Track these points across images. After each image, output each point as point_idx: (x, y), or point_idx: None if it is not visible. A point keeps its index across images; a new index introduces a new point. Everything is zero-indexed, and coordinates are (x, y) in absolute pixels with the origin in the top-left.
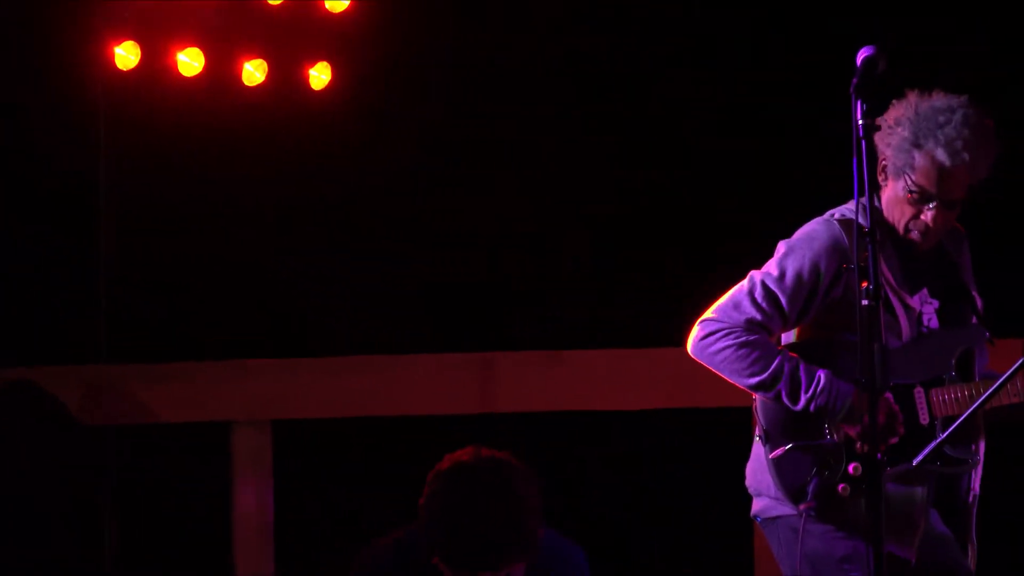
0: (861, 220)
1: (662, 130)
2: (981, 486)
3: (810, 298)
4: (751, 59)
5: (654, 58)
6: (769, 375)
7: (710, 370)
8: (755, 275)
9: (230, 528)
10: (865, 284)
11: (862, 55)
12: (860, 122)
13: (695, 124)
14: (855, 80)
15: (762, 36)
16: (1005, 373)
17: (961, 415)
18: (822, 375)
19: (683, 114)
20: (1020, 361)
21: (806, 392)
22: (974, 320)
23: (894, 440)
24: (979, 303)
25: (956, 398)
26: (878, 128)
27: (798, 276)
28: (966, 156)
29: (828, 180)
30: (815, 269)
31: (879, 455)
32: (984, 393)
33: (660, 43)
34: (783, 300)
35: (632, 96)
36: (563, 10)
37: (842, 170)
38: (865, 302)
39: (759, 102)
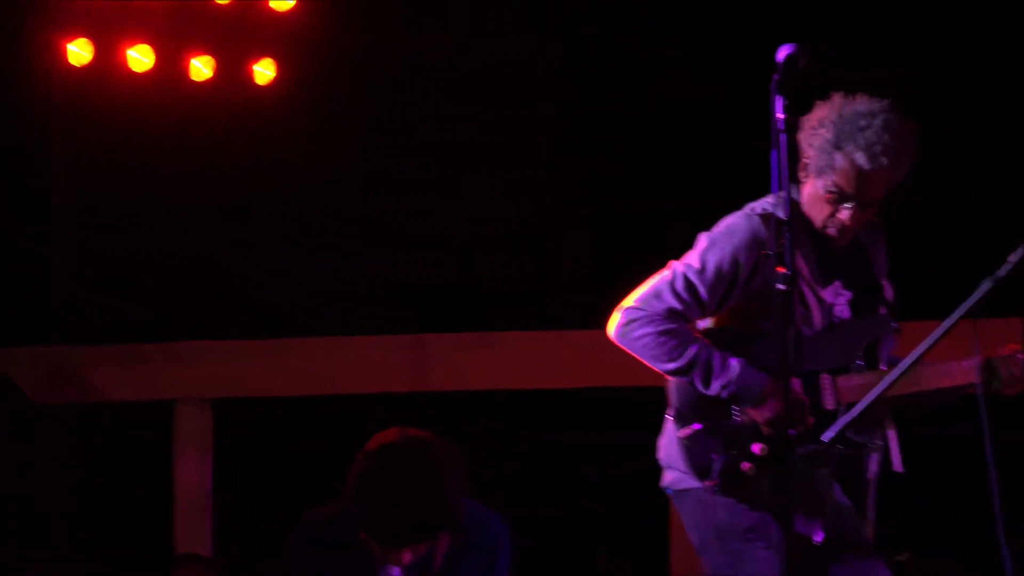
0: (780, 212)
1: (584, 123)
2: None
3: (729, 289)
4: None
5: (570, 59)
6: (685, 361)
7: (629, 354)
8: (676, 266)
9: (171, 500)
10: (782, 270)
11: (783, 53)
12: (780, 117)
13: (624, 115)
14: (776, 77)
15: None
16: (904, 362)
17: (863, 401)
18: (735, 363)
19: (606, 108)
20: (916, 353)
21: (719, 378)
22: (883, 311)
23: (800, 429)
24: (890, 294)
25: (860, 385)
26: (800, 126)
27: (718, 268)
28: (884, 161)
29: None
30: (735, 262)
31: (790, 438)
32: (883, 382)
33: (581, 44)
34: (702, 291)
35: (547, 94)
36: (499, 11)
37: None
38: (781, 287)
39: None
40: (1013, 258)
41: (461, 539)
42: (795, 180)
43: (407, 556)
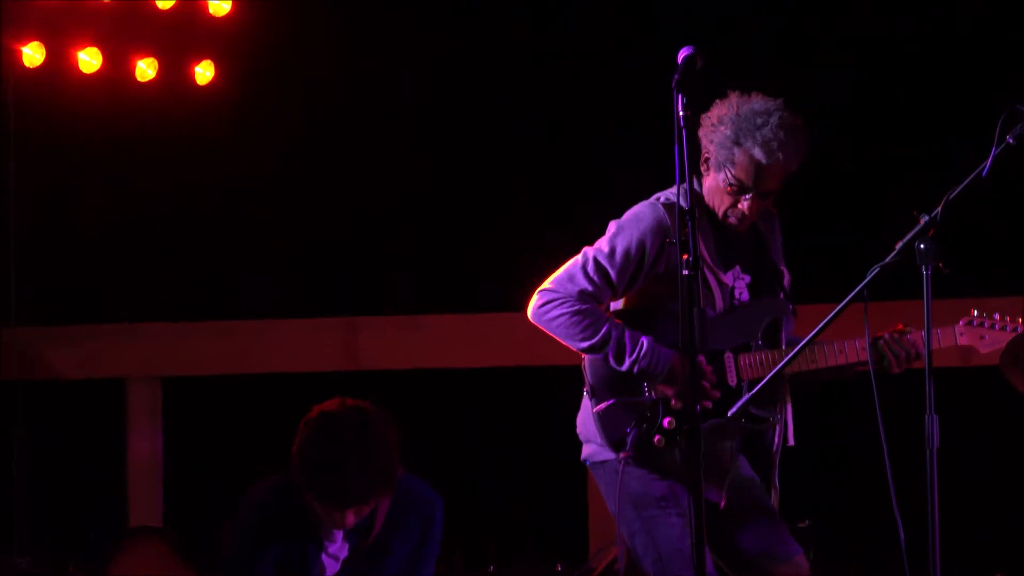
0: (682, 202)
1: (498, 127)
2: (798, 429)
3: (636, 272)
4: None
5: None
6: (599, 339)
7: (547, 333)
8: (588, 251)
9: (124, 474)
10: (685, 256)
11: (682, 54)
12: (681, 114)
13: (530, 121)
14: (676, 76)
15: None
16: (804, 339)
17: (764, 377)
18: (645, 341)
19: (514, 115)
20: (812, 333)
21: (630, 355)
22: (780, 294)
23: (708, 403)
24: (786, 277)
25: (761, 362)
26: (700, 123)
27: (626, 252)
28: (780, 156)
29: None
30: (641, 246)
31: (696, 412)
32: (783, 359)
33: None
34: (612, 274)
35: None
36: (425, 15)
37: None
38: (685, 272)
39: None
40: (900, 245)
41: (398, 508)
42: (696, 172)
43: (349, 518)
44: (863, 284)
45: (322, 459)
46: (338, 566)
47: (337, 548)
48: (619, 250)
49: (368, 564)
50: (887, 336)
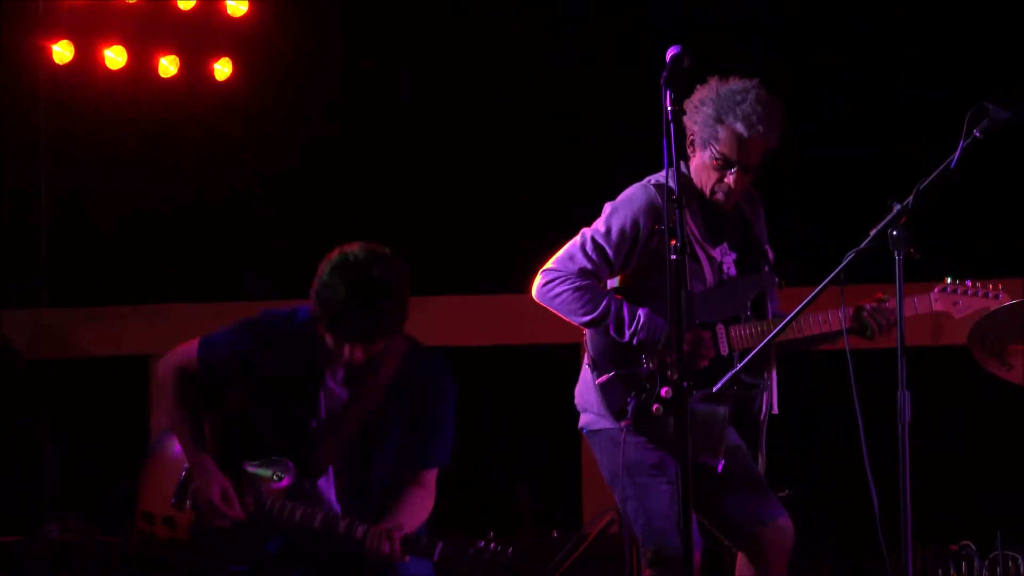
0: (672, 190)
1: (499, 124)
2: (779, 406)
3: (631, 249)
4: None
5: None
6: (599, 313)
7: (550, 311)
8: (586, 232)
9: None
10: (674, 242)
11: (670, 53)
12: (669, 108)
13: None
14: (664, 74)
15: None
16: (791, 313)
17: (755, 348)
18: (642, 313)
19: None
20: (796, 311)
21: (630, 327)
22: (766, 269)
23: (703, 364)
24: (771, 255)
25: (751, 333)
26: (685, 112)
27: (621, 231)
28: (760, 128)
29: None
30: (635, 225)
31: (686, 383)
32: (774, 330)
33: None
34: (609, 251)
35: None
36: (434, 14)
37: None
38: (673, 257)
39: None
40: (873, 232)
41: (405, 367)
42: (684, 157)
43: (357, 353)
44: (840, 268)
45: (332, 292)
46: (336, 402)
47: (338, 387)
48: (615, 229)
49: (368, 417)
50: (868, 306)
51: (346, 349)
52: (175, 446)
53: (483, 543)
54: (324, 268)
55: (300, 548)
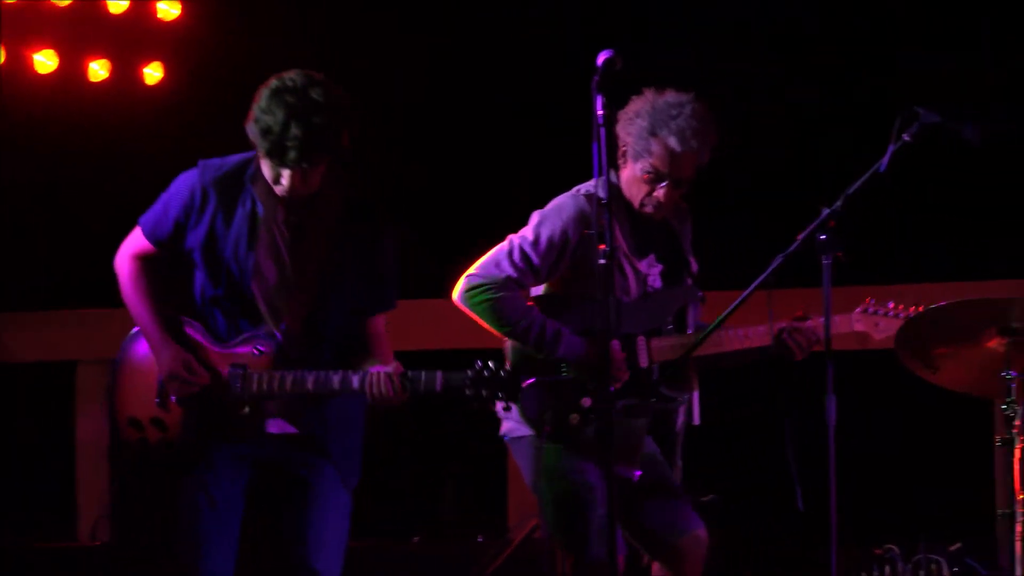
0: (601, 194)
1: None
2: (702, 419)
3: (558, 259)
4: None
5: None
6: (519, 329)
7: (473, 317)
8: (513, 239)
9: (73, 452)
10: (603, 247)
11: (601, 57)
12: (600, 112)
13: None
14: (595, 78)
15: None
16: (714, 322)
17: (674, 360)
18: (563, 330)
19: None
20: (720, 318)
21: (550, 343)
22: (689, 282)
23: (617, 385)
24: (694, 267)
25: (671, 345)
26: (617, 119)
27: (549, 241)
28: (694, 144)
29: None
30: (564, 234)
31: (610, 393)
32: (692, 342)
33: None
34: (536, 261)
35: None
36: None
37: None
38: (602, 261)
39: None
40: (801, 236)
41: (347, 214)
42: (614, 166)
43: (295, 179)
44: (767, 273)
45: (271, 116)
46: (283, 249)
47: (281, 232)
48: (543, 238)
49: (319, 266)
50: (787, 328)
51: (286, 177)
52: (144, 347)
53: (480, 363)
54: (260, 96)
55: (299, 429)
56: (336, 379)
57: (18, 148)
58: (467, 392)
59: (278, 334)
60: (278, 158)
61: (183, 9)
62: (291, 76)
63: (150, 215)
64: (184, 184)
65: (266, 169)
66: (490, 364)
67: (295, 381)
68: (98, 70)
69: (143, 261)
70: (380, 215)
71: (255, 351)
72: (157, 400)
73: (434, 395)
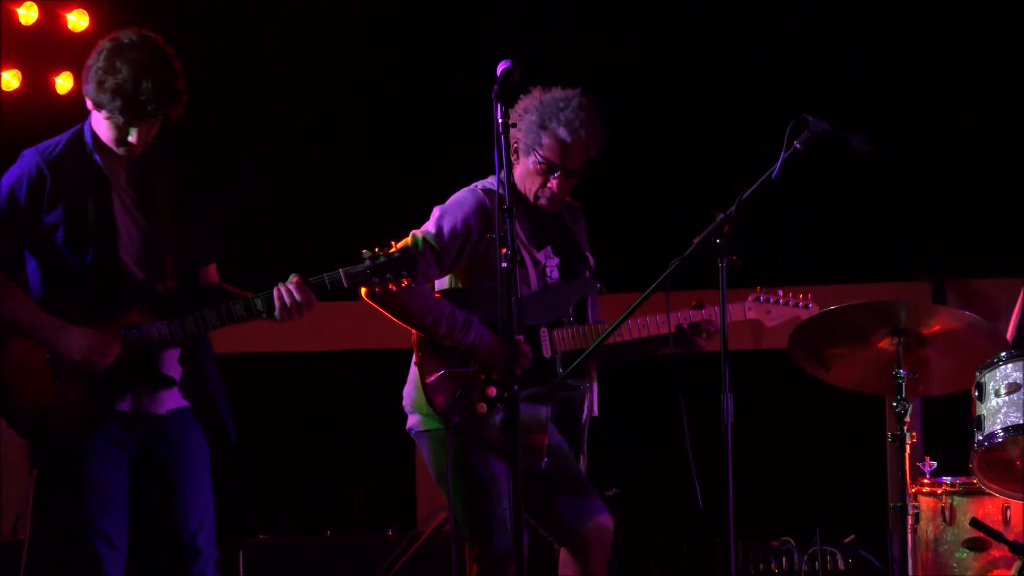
0: (503, 198)
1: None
2: (609, 409)
3: (461, 250)
4: None
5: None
6: (431, 318)
7: (382, 312)
8: (416, 232)
9: None
10: (505, 250)
11: (501, 67)
12: (500, 120)
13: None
14: (496, 87)
15: None
16: (616, 320)
17: (576, 350)
18: (472, 319)
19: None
20: (621, 317)
21: (460, 332)
22: (587, 275)
23: (525, 365)
24: (591, 262)
25: (573, 335)
26: (515, 125)
27: (452, 232)
28: (583, 133)
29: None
30: (466, 226)
31: (514, 384)
32: (601, 334)
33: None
34: (440, 252)
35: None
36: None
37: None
38: (504, 264)
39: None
40: (697, 240)
41: (181, 176)
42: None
43: (135, 136)
44: (664, 276)
45: (115, 73)
46: (136, 222)
47: (128, 207)
48: (446, 231)
49: (177, 229)
50: (685, 326)
51: (135, 135)
52: (15, 345)
53: (370, 252)
54: (98, 57)
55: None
56: (238, 307)
57: None
58: (373, 279)
59: (156, 289)
60: (135, 113)
61: (91, 20)
62: (127, 35)
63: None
64: (21, 170)
65: (107, 132)
66: (377, 251)
67: (196, 322)
68: (10, 80)
69: None
70: (207, 170)
71: (137, 310)
72: (57, 384)
73: (342, 290)
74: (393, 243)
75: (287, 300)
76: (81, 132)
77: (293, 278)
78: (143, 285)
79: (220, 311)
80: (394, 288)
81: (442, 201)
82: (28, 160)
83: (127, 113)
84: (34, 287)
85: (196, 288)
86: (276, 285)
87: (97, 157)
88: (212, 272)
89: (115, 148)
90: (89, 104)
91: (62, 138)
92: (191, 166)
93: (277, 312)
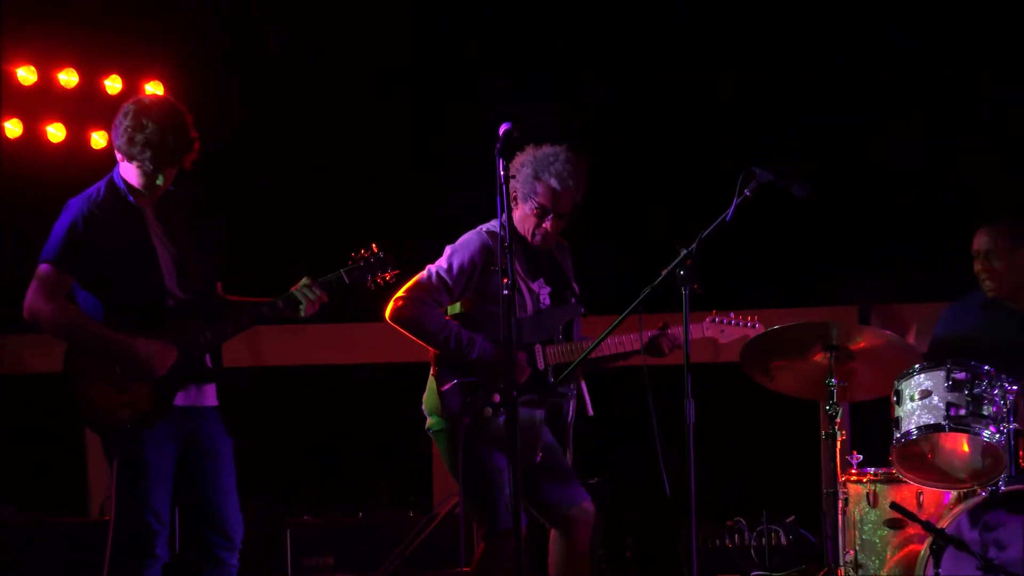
0: (504, 239)
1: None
2: (580, 415)
3: (468, 282)
4: None
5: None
6: (442, 337)
7: (403, 333)
8: (431, 268)
9: (84, 443)
10: (506, 280)
11: (503, 128)
12: (502, 174)
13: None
14: (498, 146)
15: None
16: (598, 336)
17: (565, 363)
18: (476, 338)
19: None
20: (602, 335)
21: (467, 348)
22: (573, 301)
23: (524, 376)
24: (576, 290)
25: (562, 351)
26: (515, 176)
27: (460, 267)
28: (570, 183)
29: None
30: (471, 263)
31: (515, 392)
32: (585, 350)
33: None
34: (450, 283)
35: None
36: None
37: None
38: (505, 292)
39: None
40: (664, 272)
41: (189, 206)
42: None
43: (168, 175)
44: (638, 301)
45: (146, 129)
46: (171, 252)
47: (161, 238)
48: (455, 266)
49: (197, 253)
50: (658, 335)
51: (162, 178)
52: (85, 358)
53: (360, 254)
54: (125, 117)
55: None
56: (265, 309)
57: (14, 196)
58: (368, 276)
59: (194, 302)
60: (162, 161)
61: (124, 84)
62: (147, 97)
63: (51, 246)
64: (74, 216)
65: (137, 178)
66: (364, 252)
67: (234, 325)
68: (56, 133)
69: (59, 297)
70: (207, 205)
71: (184, 320)
72: (124, 388)
73: (345, 287)
74: (374, 246)
75: (311, 297)
76: (112, 180)
77: (306, 280)
78: (183, 300)
79: (251, 314)
80: (381, 282)
81: (452, 239)
82: (77, 207)
83: (155, 162)
84: (92, 313)
85: (216, 300)
86: (294, 288)
87: (131, 199)
88: (219, 286)
89: (144, 191)
90: (119, 156)
91: (99, 186)
92: (197, 201)
93: (303, 308)
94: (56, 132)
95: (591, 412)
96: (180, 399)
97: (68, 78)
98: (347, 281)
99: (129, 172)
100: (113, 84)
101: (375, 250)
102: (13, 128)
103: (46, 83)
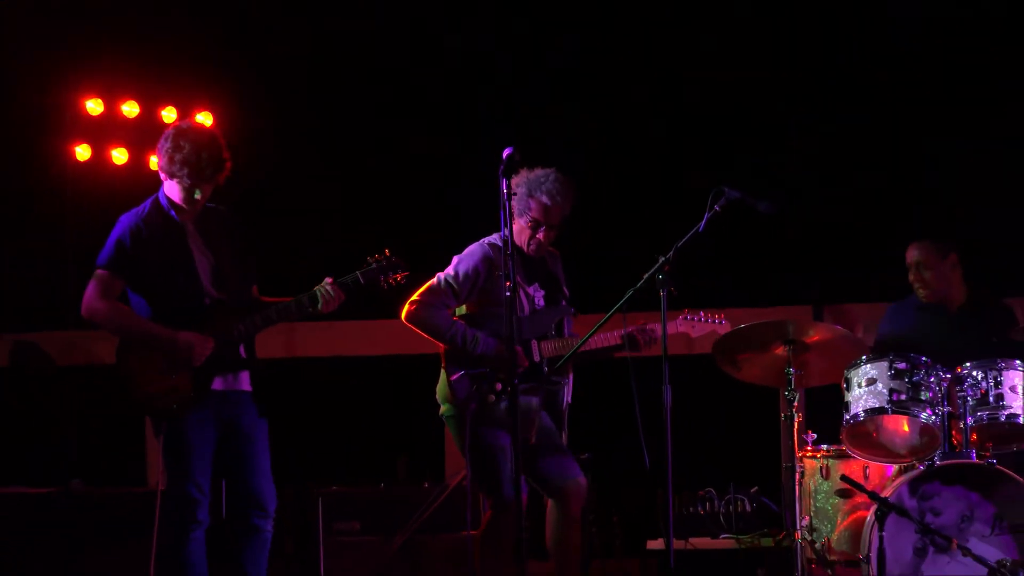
0: (508, 248)
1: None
2: (583, 400)
3: (472, 288)
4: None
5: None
6: (450, 334)
7: (417, 331)
8: (440, 275)
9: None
10: (509, 283)
11: (505, 153)
12: (505, 192)
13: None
14: (502, 167)
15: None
16: (587, 332)
17: (557, 356)
18: (480, 335)
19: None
20: (589, 333)
21: (471, 344)
22: (564, 302)
23: (520, 370)
24: (567, 292)
25: (555, 346)
26: (516, 194)
27: (466, 275)
28: (559, 199)
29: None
30: (475, 271)
31: (516, 380)
32: (576, 344)
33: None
34: (457, 288)
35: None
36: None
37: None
38: (508, 294)
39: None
40: (645, 276)
41: (225, 218)
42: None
43: (206, 191)
44: (622, 302)
45: (189, 150)
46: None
47: (199, 247)
48: (461, 273)
49: (234, 260)
50: (635, 331)
51: (200, 192)
52: (135, 350)
53: (374, 257)
54: (166, 140)
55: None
56: (292, 305)
57: (90, 207)
58: (380, 277)
59: (228, 302)
60: (203, 178)
61: (178, 113)
62: (180, 123)
63: (108, 252)
64: (125, 229)
65: (178, 194)
66: (377, 256)
67: (263, 318)
68: (119, 156)
69: (111, 297)
70: (240, 219)
71: (221, 317)
72: (170, 375)
73: (360, 287)
74: (387, 251)
75: (331, 295)
76: (157, 198)
77: (328, 280)
78: (219, 300)
79: (279, 310)
80: (392, 283)
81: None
82: (127, 221)
83: (192, 177)
84: (140, 311)
85: (250, 299)
86: (316, 287)
87: (173, 213)
88: (255, 288)
89: (184, 206)
90: (162, 175)
91: (146, 204)
92: (233, 216)
93: (321, 305)
94: (120, 156)
95: (569, 399)
96: (218, 384)
97: (130, 109)
98: (362, 282)
99: (172, 189)
100: (169, 114)
101: (387, 254)
102: (83, 152)
103: (111, 113)
